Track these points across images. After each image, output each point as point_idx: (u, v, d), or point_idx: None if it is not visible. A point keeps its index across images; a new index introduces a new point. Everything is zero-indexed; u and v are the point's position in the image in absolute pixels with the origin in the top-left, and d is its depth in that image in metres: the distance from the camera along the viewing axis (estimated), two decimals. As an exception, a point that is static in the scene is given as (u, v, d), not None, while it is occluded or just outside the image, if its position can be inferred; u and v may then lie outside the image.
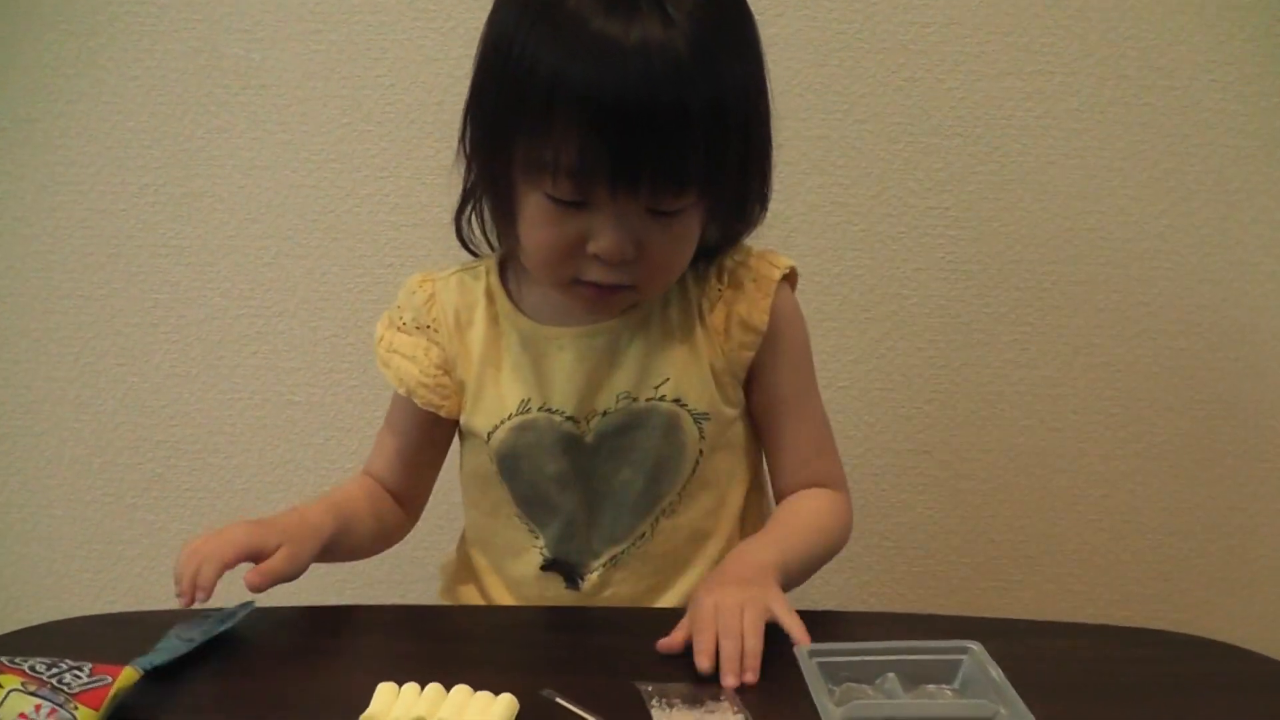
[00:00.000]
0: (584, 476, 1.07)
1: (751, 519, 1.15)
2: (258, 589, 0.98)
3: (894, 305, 1.57)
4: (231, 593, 1.62)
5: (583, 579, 1.09)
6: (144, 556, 1.65)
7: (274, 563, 0.99)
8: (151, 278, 1.57)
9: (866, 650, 0.89)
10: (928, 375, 1.59)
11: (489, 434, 1.07)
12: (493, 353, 1.07)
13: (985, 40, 1.50)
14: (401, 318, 1.11)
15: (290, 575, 1.01)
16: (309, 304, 1.57)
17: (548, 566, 1.10)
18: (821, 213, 1.54)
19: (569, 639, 1.02)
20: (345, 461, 1.61)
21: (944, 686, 0.88)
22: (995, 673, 0.86)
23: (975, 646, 0.89)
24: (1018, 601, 1.64)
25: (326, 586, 1.64)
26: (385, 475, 1.16)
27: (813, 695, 0.83)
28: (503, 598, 1.14)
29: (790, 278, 1.10)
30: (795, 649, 0.89)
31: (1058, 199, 1.54)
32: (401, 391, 1.10)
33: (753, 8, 1.43)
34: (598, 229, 0.94)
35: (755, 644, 0.89)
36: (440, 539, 1.29)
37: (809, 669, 0.86)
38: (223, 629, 0.97)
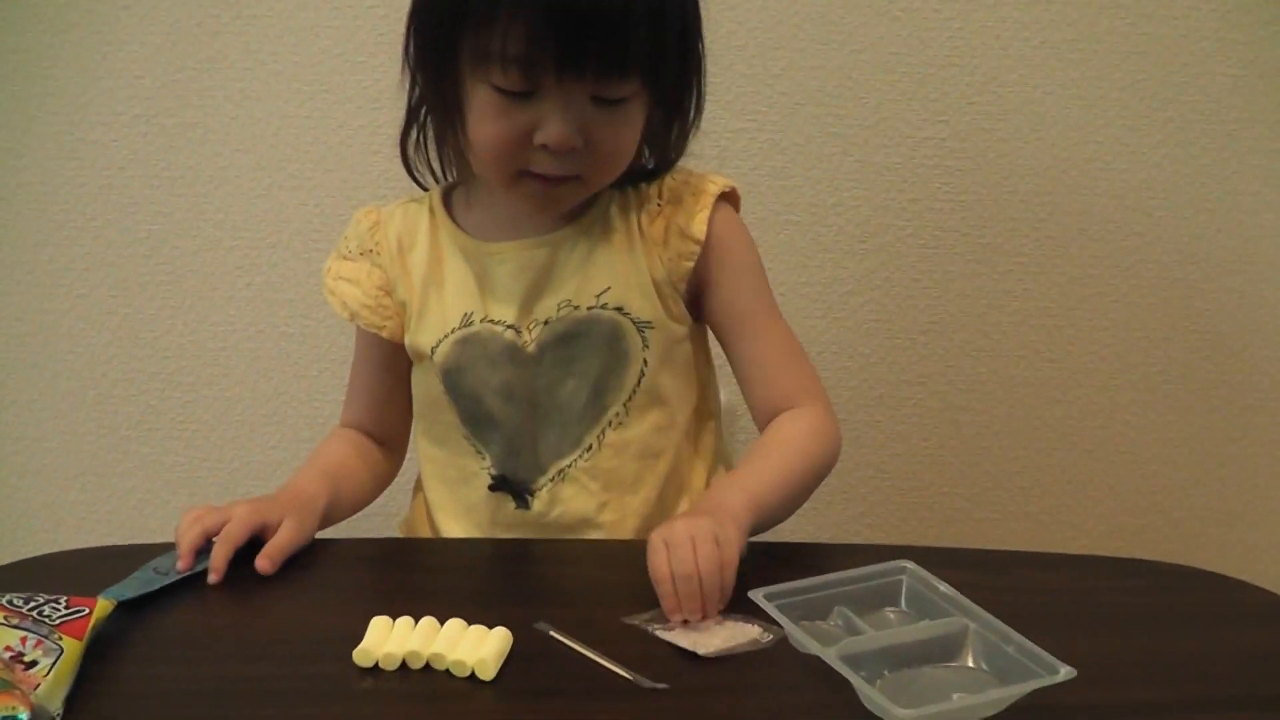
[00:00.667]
0: (528, 389, 1.07)
1: (705, 445, 1.16)
2: (270, 570, 0.97)
3: (890, 236, 1.56)
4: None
5: (532, 495, 1.10)
6: (138, 489, 1.65)
7: (281, 538, 0.99)
8: (144, 209, 1.56)
9: (814, 587, 0.89)
10: (923, 306, 1.58)
11: (433, 349, 1.08)
12: (435, 272, 1.10)
13: (982, -32, 1.49)
14: (348, 247, 1.14)
15: (298, 546, 1.01)
16: (302, 235, 1.56)
17: (496, 486, 1.10)
18: (817, 143, 1.53)
19: (557, 571, 1.02)
20: (338, 393, 1.58)
21: (892, 609, 0.89)
22: (943, 587, 0.87)
23: (910, 565, 0.91)
24: (1012, 533, 1.65)
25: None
26: (362, 418, 1.19)
27: (795, 639, 0.84)
28: (454, 533, 1.14)
29: (730, 197, 1.11)
30: (750, 594, 0.88)
31: (1054, 129, 1.53)
32: (345, 315, 1.13)
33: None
34: (545, 118, 0.96)
35: (711, 580, 0.88)
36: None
37: (772, 612, 0.86)
38: (201, 566, 0.96)
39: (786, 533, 1.65)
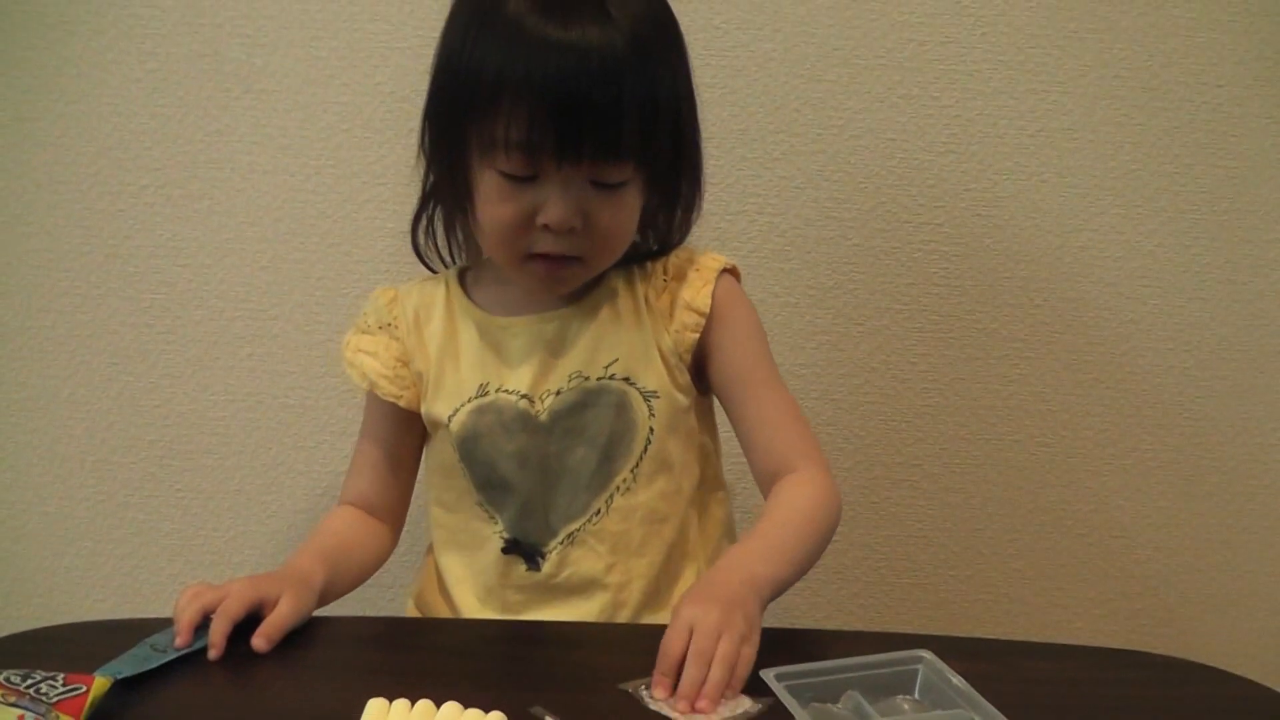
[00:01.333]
0: (540, 455, 1.12)
1: (714, 515, 1.21)
2: (266, 648, 0.98)
3: (886, 319, 1.58)
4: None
5: (543, 557, 1.13)
6: (134, 555, 1.64)
7: (278, 615, 1.01)
8: (148, 278, 1.57)
9: (827, 670, 0.90)
10: (919, 389, 1.59)
11: (449, 418, 1.13)
12: (451, 344, 1.16)
13: (980, 59, 1.51)
14: (366, 322, 1.21)
15: (295, 623, 1.02)
16: (304, 307, 1.58)
17: (508, 549, 1.14)
18: (816, 226, 1.55)
19: (557, 654, 1.02)
20: (338, 465, 1.61)
21: (905, 697, 0.90)
22: (956, 680, 0.88)
23: (927, 655, 0.92)
24: (1006, 615, 1.65)
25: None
26: (366, 490, 1.22)
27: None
28: (465, 596, 1.17)
29: (732, 273, 1.18)
30: (761, 673, 0.89)
31: (1050, 216, 1.55)
32: (364, 385, 1.18)
33: (750, 23, 1.48)
34: (546, 200, 1.03)
35: (720, 675, 0.89)
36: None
37: (780, 693, 0.87)
38: (199, 645, 0.97)
39: (784, 615, 1.65)
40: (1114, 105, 1.52)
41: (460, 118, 1.05)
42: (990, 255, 1.56)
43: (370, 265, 1.56)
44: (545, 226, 1.04)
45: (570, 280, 1.11)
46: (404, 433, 1.21)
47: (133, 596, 1.65)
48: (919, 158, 1.54)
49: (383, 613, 1.63)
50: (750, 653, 0.91)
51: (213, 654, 0.96)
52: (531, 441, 1.12)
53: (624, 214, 1.08)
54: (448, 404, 1.14)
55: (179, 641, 0.96)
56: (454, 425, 1.13)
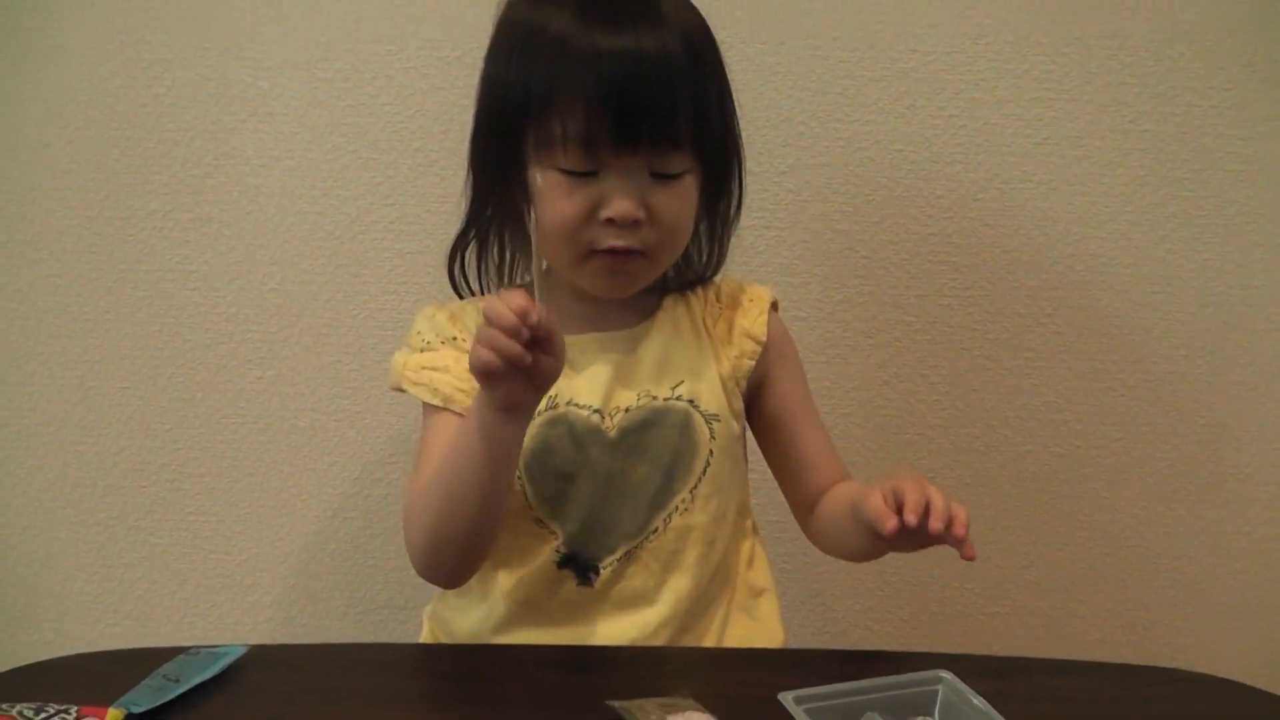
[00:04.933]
0: (606, 470, 1.12)
1: (745, 545, 1.22)
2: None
3: (897, 332, 1.57)
4: (221, 632, 1.63)
5: (596, 574, 1.13)
6: (145, 580, 1.64)
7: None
8: (157, 302, 1.57)
9: (846, 692, 0.90)
10: (930, 401, 1.59)
11: None
12: None
13: (985, 69, 1.51)
14: (423, 339, 1.17)
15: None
16: (313, 330, 1.58)
17: (564, 563, 1.13)
18: (824, 239, 1.55)
19: (577, 680, 1.02)
20: (348, 487, 1.61)
21: (925, 718, 0.89)
22: (977, 700, 0.88)
23: (947, 675, 0.92)
24: (1022, 627, 1.64)
25: (330, 612, 1.65)
26: None
27: None
28: (495, 606, 1.15)
29: (775, 306, 1.22)
30: (780, 697, 0.89)
31: (1059, 225, 1.54)
32: (436, 402, 1.12)
33: (756, 37, 1.48)
34: (608, 193, 1.05)
35: (941, 502, 0.97)
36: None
37: (800, 716, 0.86)
38: (212, 673, 0.96)
39: (799, 631, 1.64)
40: (1121, 111, 1.52)
41: (515, 116, 1.06)
42: (1000, 265, 1.55)
43: (379, 286, 1.56)
44: (609, 220, 1.05)
45: (634, 276, 1.11)
46: None
47: (144, 621, 1.65)
48: (927, 169, 1.53)
49: (396, 634, 1.63)
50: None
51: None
52: (600, 456, 1.12)
53: (684, 205, 1.09)
54: None
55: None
56: (525, 438, 1.10)
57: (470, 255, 1.20)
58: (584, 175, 1.05)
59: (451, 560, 1.09)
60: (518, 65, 1.06)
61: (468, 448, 1.02)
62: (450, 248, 1.20)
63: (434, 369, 1.14)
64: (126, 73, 1.52)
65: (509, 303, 0.92)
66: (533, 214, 1.04)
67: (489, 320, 0.93)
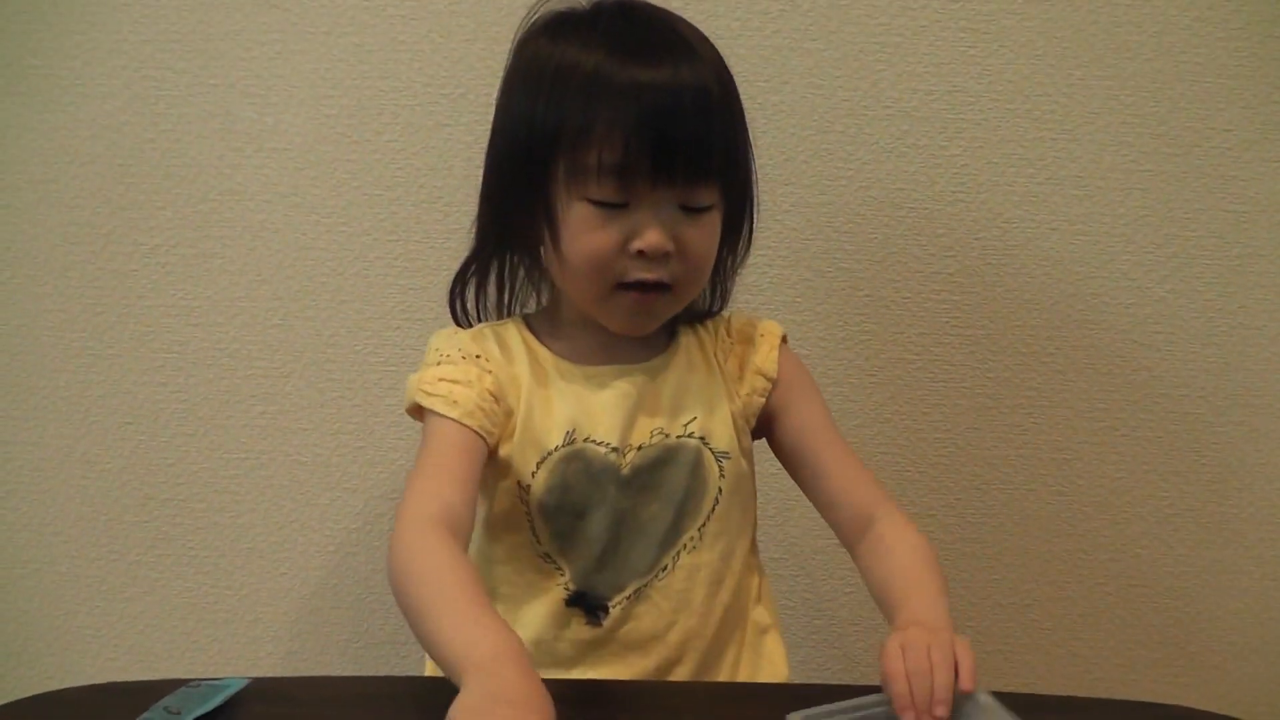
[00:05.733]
0: (620, 508, 1.11)
1: (751, 582, 1.20)
2: None
3: (898, 370, 1.57)
4: (223, 667, 1.63)
5: (605, 612, 1.12)
6: (146, 614, 1.64)
7: None
8: (160, 337, 1.58)
9: (851, 708, 0.90)
10: (932, 439, 1.59)
11: (538, 464, 1.09)
12: (540, 387, 1.12)
13: (987, 108, 1.52)
14: (444, 354, 1.12)
15: None
16: (316, 365, 1.58)
17: (572, 601, 1.12)
18: (827, 278, 1.55)
19: (581, 715, 0.99)
20: (350, 522, 1.61)
21: None
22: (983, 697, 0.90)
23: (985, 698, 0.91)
24: (1024, 666, 1.63)
25: (332, 647, 1.64)
26: (452, 498, 1.02)
27: None
28: None
29: (784, 340, 1.21)
30: (788, 717, 0.89)
31: (1060, 264, 1.55)
32: (453, 415, 1.06)
33: (759, 75, 1.49)
34: (640, 226, 1.04)
35: (944, 678, 0.89)
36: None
37: None
38: (213, 705, 0.96)
39: (801, 667, 1.64)
40: (1122, 152, 1.53)
41: (546, 146, 1.05)
42: (1002, 304, 1.56)
43: (383, 322, 1.56)
44: (640, 253, 1.04)
45: (658, 314, 1.11)
46: (478, 455, 1.07)
47: (145, 656, 1.64)
48: (928, 207, 1.54)
49: (398, 668, 1.63)
50: (966, 645, 0.92)
51: None
52: (615, 493, 1.11)
53: (711, 239, 1.09)
54: (533, 452, 1.09)
55: None
56: (539, 475, 1.09)
57: (470, 287, 1.19)
58: (615, 207, 1.04)
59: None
60: (548, 99, 1.05)
61: (439, 651, 0.89)
62: (453, 277, 1.19)
63: (454, 381, 1.08)
64: (132, 109, 1.53)
65: None
66: None
67: None
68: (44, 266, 1.57)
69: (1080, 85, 1.51)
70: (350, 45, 1.51)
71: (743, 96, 1.49)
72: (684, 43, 1.07)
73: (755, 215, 1.18)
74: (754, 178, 1.16)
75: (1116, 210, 1.54)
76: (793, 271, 1.55)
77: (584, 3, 1.12)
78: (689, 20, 1.12)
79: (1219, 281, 1.55)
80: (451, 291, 1.20)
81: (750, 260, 1.52)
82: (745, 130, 1.13)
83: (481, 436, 1.07)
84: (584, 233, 1.05)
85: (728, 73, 1.11)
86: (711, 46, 1.11)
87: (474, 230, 1.17)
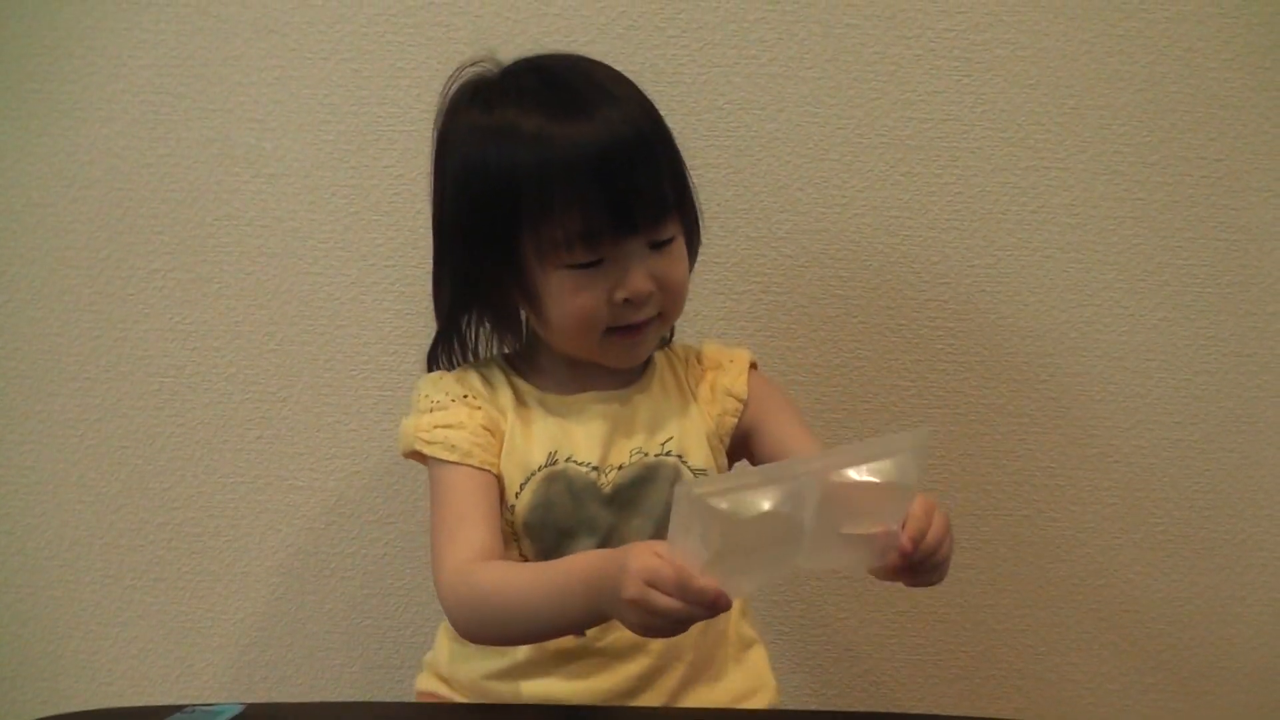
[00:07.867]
0: (604, 525, 1.14)
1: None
2: None
3: (893, 397, 1.58)
4: (217, 692, 1.63)
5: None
6: (141, 639, 1.64)
7: None
8: (157, 361, 1.58)
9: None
10: (925, 466, 1.59)
11: (521, 485, 1.14)
12: (522, 416, 1.17)
13: (981, 136, 1.53)
14: (432, 400, 1.18)
15: None
16: (312, 390, 1.58)
17: None
18: (821, 305, 1.56)
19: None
20: (346, 547, 1.61)
21: None
22: None
23: None
24: (1017, 691, 1.63)
25: (326, 671, 1.64)
26: (487, 539, 1.10)
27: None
28: (491, 661, 1.16)
29: (754, 365, 1.26)
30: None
31: (1053, 292, 1.56)
32: (454, 459, 1.13)
33: (754, 103, 1.50)
34: (619, 276, 1.09)
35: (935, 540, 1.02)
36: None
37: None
38: None
39: (793, 693, 1.64)
40: (1115, 180, 1.54)
41: (510, 230, 1.09)
42: (995, 331, 1.56)
43: (379, 347, 1.57)
44: (626, 301, 1.09)
45: (651, 339, 1.16)
46: (496, 506, 1.14)
47: (140, 680, 1.64)
48: (922, 235, 1.55)
49: (392, 694, 1.62)
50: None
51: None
52: (599, 511, 1.15)
53: (682, 265, 1.15)
54: (520, 471, 1.15)
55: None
56: (523, 495, 1.14)
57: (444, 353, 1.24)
58: (590, 265, 1.08)
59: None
60: (496, 163, 1.09)
61: (561, 608, 1.00)
62: (428, 355, 1.24)
63: (448, 426, 1.14)
64: (131, 133, 1.53)
65: (703, 598, 0.88)
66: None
67: (685, 597, 0.88)
68: (42, 289, 1.57)
69: (1073, 115, 1.52)
70: (348, 71, 1.52)
71: (738, 125, 1.52)
72: (603, 88, 1.11)
73: (701, 222, 1.21)
74: (693, 187, 1.19)
75: (1110, 238, 1.55)
76: (788, 298, 1.56)
77: (491, 67, 1.17)
78: (605, 61, 1.16)
79: (1211, 310, 1.56)
80: (429, 367, 1.24)
81: (745, 287, 1.55)
82: (677, 148, 1.16)
83: (487, 470, 1.14)
84: (567, 297, 1.10)
85: (646, 99, 1.15)
86: (627, 80, 1.15)
87: (435, 303, 1.21)
